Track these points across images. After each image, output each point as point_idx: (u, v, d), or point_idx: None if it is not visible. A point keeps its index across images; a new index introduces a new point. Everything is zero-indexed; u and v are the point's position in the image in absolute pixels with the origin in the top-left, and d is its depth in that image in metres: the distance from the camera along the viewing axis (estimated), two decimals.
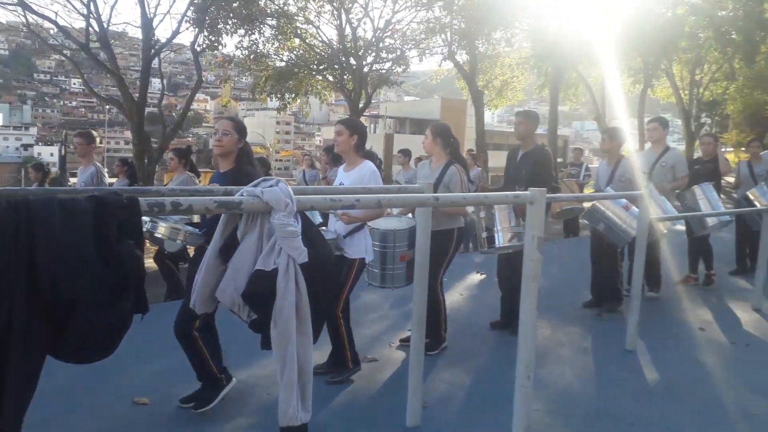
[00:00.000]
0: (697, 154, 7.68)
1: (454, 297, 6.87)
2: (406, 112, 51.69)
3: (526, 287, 2.84)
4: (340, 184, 4.22)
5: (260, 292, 2.00)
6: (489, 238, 5.11)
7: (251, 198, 1.99)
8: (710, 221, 6.35)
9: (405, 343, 5.08)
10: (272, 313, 2.02)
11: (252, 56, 20.84)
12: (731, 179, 11.34)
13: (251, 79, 23.30)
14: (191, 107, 21.11)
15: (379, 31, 21.53)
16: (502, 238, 5.05)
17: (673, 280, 7.64)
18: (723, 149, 32.35)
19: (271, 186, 2.01)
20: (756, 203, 7.11)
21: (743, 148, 30.41)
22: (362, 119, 22.95)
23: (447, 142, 4.98)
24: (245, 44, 20.26)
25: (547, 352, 4.92)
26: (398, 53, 21.63)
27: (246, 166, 3.62)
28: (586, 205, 6.23)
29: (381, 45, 21.65)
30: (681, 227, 10.26)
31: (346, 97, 22.05)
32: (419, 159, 11.94)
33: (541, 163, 5.26)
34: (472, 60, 23.28)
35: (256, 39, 20.35)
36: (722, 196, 7.25)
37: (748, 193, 7.40)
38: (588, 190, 12.20)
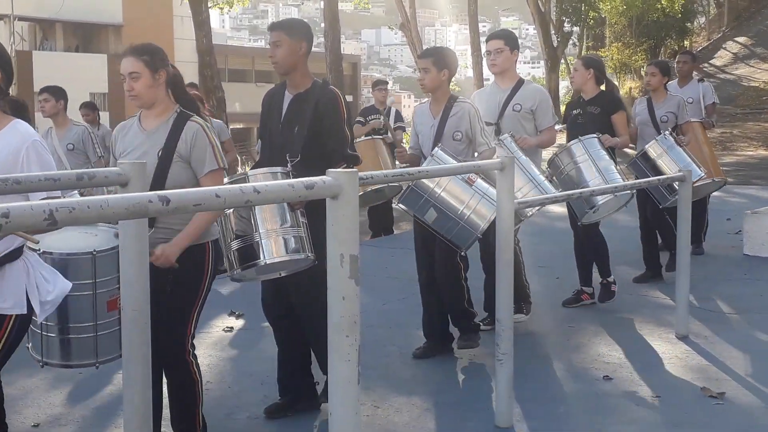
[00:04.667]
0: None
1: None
2: (52, 8, 23.85)
3: (337, 354, 1.42)
4: None
5: None
6: (244, 251, 2.64)
7: None
8: (600, 196, 3.69)
9: None
10: None
11: None
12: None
13: None
14: None
15: None
16: (268, 249, 2.62)
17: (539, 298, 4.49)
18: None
19: None
20: (660, 164, 4.41)
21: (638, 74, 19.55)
22: None
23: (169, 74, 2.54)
24: None
25: None
26: None
27: None
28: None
29: None
30: (561, 210, 6.25)
31: None
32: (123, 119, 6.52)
33: (330, 113, 2.87)
34: None
35: None
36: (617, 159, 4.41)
37: (648, 148, 4.57)
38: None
